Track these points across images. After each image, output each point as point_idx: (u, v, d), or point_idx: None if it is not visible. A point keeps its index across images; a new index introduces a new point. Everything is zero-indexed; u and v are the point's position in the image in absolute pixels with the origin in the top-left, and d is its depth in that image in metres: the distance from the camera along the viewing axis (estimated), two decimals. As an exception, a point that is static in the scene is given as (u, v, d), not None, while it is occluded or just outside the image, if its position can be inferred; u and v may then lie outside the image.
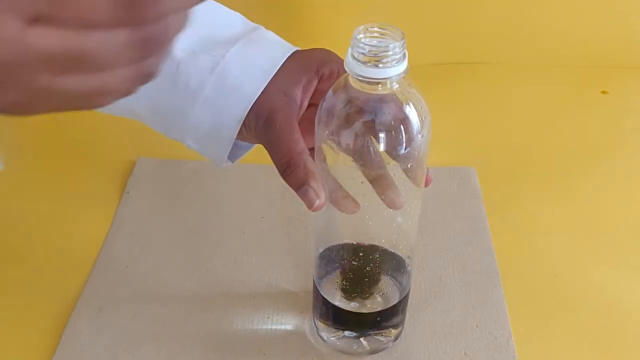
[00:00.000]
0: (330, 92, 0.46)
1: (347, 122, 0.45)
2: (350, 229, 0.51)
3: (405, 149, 0.45)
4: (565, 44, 0.88)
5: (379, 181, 0.48)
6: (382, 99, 0.44)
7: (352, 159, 0.46)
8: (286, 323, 0.56)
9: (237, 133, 0.51)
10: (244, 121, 0.51)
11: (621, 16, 0.87)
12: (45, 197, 0.68)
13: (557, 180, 0.71)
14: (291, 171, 0.48)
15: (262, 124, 0.50)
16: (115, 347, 0.54)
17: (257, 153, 0.73)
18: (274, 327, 0.56)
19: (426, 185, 0.49)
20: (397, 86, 0.44)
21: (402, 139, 0.45)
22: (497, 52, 0.88)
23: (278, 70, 0.50)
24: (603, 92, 0.85)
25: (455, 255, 0.61)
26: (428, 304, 0.57)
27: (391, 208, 0.48)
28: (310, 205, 0.47)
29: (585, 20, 0.87)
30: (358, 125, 0.45)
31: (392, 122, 0.45)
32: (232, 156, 0.55)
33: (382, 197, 0.48)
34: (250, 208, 0.66)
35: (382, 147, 0.45)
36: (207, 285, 0.59)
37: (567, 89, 0.85)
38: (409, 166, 0.47)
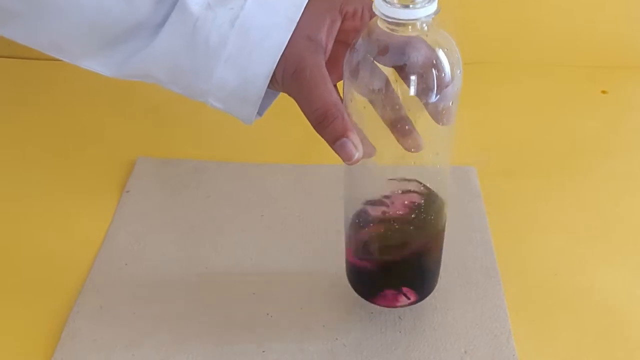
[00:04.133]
0: (359, 40, 0.45)
1: (378, 66, 0.45)
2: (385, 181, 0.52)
3: (438, 92, 0.45)
4: (565, 44, 0.88)
5: (400, 124, 0.47)
6: (412, 41, 0.44)
7: (379, 104, 0.46)
8: (285, 320, 0.56)
9: (265, 89, 0.49)
10: (274, 75, 0.49)
11: (621, 16, 0.87)
12: (45, 195, 0.68)
13: (556, 180, 0.71)
14: (328, 123, 0.46)
15: (290, 75, 0.47)
16: (114, 345, 0.54)
17: (257, 152, 0.73)
18: (273, 323, 0.56)
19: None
20: (426, 28, 0.44)
21: (434, 82, 0.45)
22: (497, 52, 0.88)
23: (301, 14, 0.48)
24: (603, 91, 0.85)
25: (455, 254, 0.61)
26: (428, 302, 0.57)
27: (411, 151, 0.48)
28: (348, 158, 0.46)
29: (585, 20, 0.87)
30: (389, 69, 0.45)
31: (424, 64, 0.44)
32: (260, 109, 0.52)
33: (404, 140, 0.48)
34: (249, 207, 0.66)
35: (413, 90, 0.44)
36: (207, 283, 0.59)
37: (566, 89, 0.85)
38: (440, 108, 0.46)
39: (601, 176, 0.72)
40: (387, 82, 0.45)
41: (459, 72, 0.46)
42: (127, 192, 0.68)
